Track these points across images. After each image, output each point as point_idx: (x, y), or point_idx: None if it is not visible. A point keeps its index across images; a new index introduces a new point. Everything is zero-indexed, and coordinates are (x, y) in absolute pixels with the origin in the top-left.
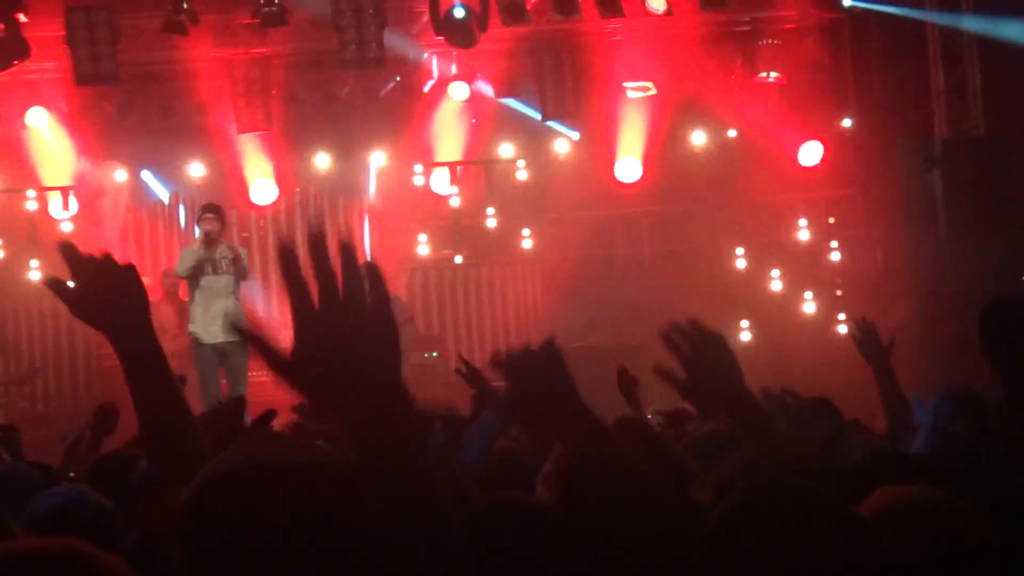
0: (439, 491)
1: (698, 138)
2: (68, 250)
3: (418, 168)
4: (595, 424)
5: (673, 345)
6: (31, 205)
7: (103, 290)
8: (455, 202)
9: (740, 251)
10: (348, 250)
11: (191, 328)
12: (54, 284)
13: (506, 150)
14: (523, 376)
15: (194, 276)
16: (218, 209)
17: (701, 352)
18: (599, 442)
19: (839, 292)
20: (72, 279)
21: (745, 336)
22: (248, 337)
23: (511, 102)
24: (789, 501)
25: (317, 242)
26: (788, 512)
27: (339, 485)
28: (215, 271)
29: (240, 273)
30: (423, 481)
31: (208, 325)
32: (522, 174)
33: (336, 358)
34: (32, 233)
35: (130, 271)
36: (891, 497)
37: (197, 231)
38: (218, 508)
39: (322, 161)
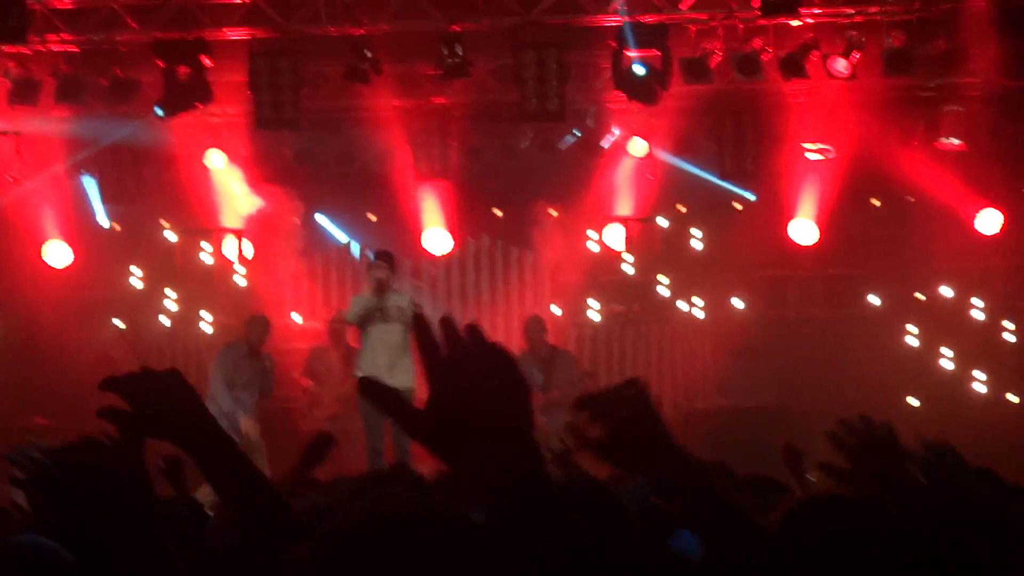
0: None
1: (876, 202)
2: (108, 383)
3: (593, 235)
4: (689, 464)
5: (841, 444)
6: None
7: (154, 404)
8: (628, 269)
9: (913, 329)
10: (475, 329)
11: (357, 374)
12: (110, 414)
13: (680, 210)
14: (611, 417)
15: (363, 324)
16: (390, 256)
17: (868, 453)
18: (692, 482)
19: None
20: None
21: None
22: (381, 400)
23: (685, 164)
24: None
25: (448, 320)
26: None
27: (465, 542)
28: (385, 320)
29: (406, 322)
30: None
31: (373, 368)
32: (696, 243)
33: (466, 416)
34: (207, 278)
35: (173, 376)
36: None
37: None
38: (342, 563)
39: (498, 213)
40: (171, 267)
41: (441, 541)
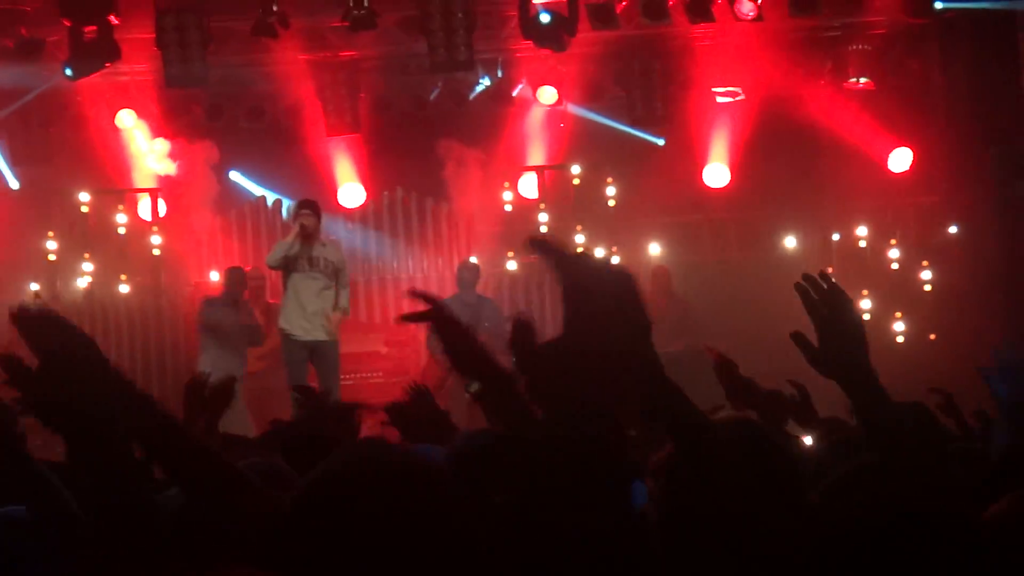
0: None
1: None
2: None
3: (507, 185)
4: (698, 418)
5: (808, 300)
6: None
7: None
8: (543, 217)
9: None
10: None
11: (281, 324)
12: (9, 363)
13: (592, 157)
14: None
15: (287, 271)
16: (314, 205)
17: (835, 312)
18: (701, 434)
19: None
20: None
21: None
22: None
23: (594, 115)
24: (900, 505)
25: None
26: (899, 517)
27: (435, 488)
28: (311, 267)
29: (342, 283)
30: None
31: (301, 321)
32: (611, 189)
33: (604, 334)
34: (122, 239)
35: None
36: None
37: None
38: (325, 509)
39: (409, 165)
40: (85, 229)
41: (413, 484)
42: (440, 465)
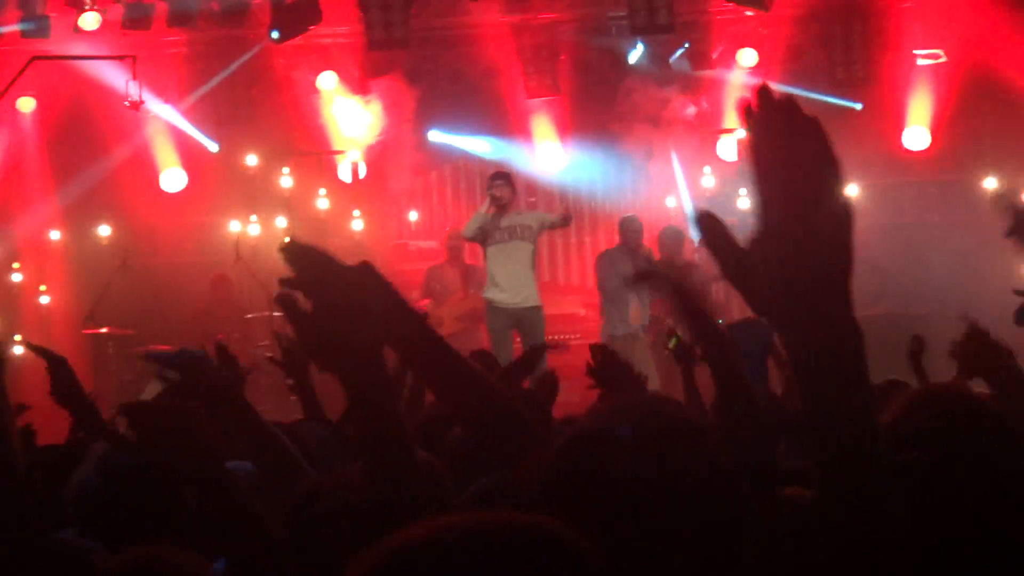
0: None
1: (989, 106)
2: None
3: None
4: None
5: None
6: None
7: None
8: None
9: None
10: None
11: (486, 294)
12: (286, 302)
13: None
14: None
15: (486, 241)
16: (507, 176)
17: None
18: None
19: None
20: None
21: None
22: (711, 227)
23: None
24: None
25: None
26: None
27: (701, 442)
28: (510, 237)
29: (548, 223)
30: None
31: (504, 291)
32: None
33: (796, 249)
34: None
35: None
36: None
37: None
38: (586, 463)
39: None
40: (252, 190)
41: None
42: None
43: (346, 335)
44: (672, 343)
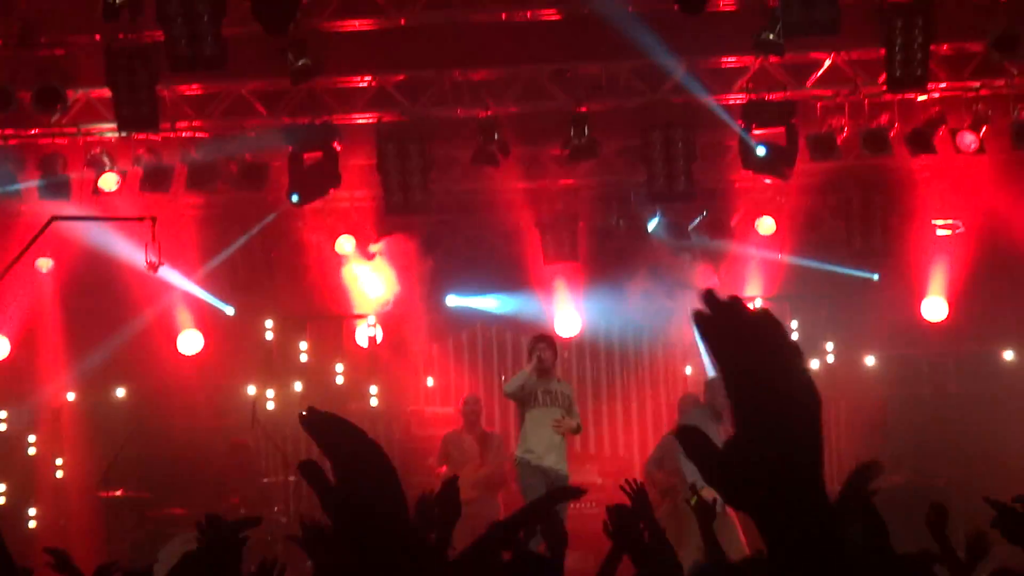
0: None
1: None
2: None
3: None
4: None
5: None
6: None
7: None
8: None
9: None
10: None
11: (521, 454)
12: (311, 471)
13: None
14: None
15: (524, 403)
16: (551, 340)
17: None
18: None
19: None
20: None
21: None
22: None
23: (806, 261)
24: None
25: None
26: None
27: None
28: (551, 403)
29: (574, 413)
30: None
31: (538, 447)
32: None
33: (769, 454)
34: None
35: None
36: None
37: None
38: None
39: (626, 295)
40: (270, 358)
41: None
42: None
43: (370, 501)
44: (693, 500)
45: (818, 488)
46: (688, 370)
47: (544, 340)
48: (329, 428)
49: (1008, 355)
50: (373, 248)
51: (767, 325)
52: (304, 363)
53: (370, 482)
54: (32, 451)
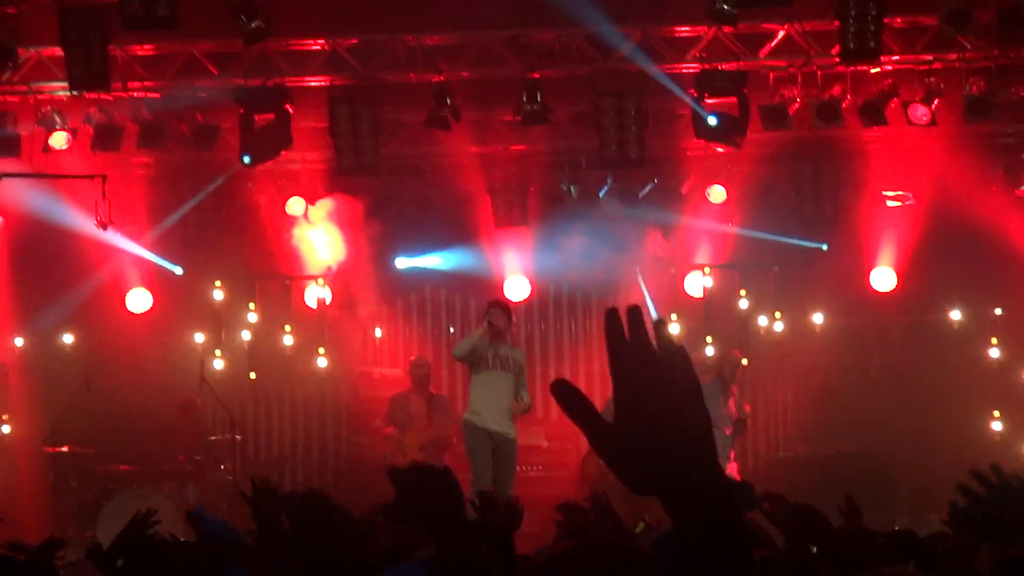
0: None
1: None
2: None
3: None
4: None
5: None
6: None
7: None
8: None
9: (994, 352)
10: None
11: (468, 416)
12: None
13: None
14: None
15: (474, 366)
16: (506, 307)
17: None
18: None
19: None
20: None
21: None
22: (569, 399)
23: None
24: None
25: (635, 313)
26: None
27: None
28: (501, 367)
29: (522, 382)
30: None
31: (492, 413)
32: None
33: (656, 427)
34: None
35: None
36: None
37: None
38: None
39: (576, 259)
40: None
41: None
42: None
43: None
44: (639, 528)
45: (711, 465)
46: None
47: (499, 305)
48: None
49: (955, 315)
50: (320, 207)
51: (672, 363)
52: (253, 323)
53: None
54: None
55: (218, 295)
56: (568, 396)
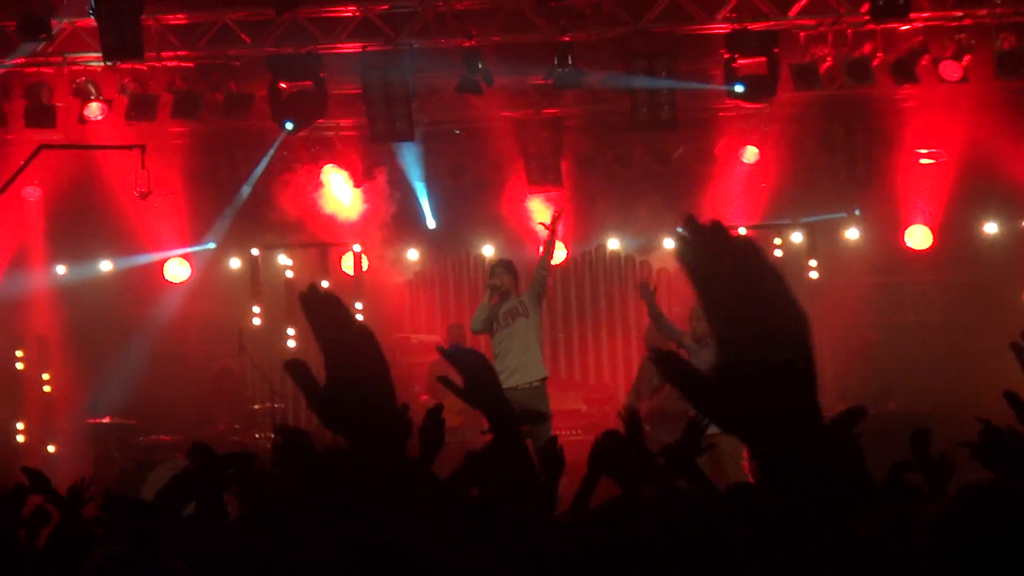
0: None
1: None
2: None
3: None
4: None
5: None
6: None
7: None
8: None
9: None
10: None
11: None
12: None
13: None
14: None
15: (492, 331)
16: (508, 264)
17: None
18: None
19: None
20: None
21: None
22: (670, 365)
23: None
24: None
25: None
26: None
27: None
28: (511, 322)
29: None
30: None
31: (510, 374)
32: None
33: (757, 373)
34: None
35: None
36: None
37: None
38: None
39: (611, 222)
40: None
41: None
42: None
43: (359, 391)
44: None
45: (813, 412)
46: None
47: (501, 264)
48: (326, 311)
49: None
50: (362, 179)
51: (749, 250)
52: (290, 289)
53: (360, 373)
54: (20, 366)
55: (255, 255)
56: (668, 362)
